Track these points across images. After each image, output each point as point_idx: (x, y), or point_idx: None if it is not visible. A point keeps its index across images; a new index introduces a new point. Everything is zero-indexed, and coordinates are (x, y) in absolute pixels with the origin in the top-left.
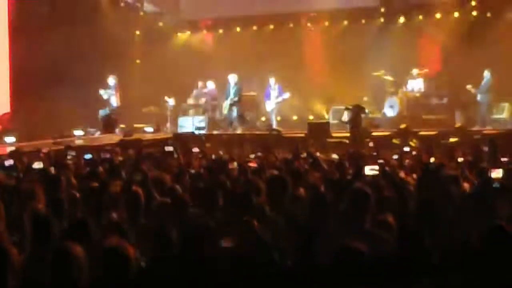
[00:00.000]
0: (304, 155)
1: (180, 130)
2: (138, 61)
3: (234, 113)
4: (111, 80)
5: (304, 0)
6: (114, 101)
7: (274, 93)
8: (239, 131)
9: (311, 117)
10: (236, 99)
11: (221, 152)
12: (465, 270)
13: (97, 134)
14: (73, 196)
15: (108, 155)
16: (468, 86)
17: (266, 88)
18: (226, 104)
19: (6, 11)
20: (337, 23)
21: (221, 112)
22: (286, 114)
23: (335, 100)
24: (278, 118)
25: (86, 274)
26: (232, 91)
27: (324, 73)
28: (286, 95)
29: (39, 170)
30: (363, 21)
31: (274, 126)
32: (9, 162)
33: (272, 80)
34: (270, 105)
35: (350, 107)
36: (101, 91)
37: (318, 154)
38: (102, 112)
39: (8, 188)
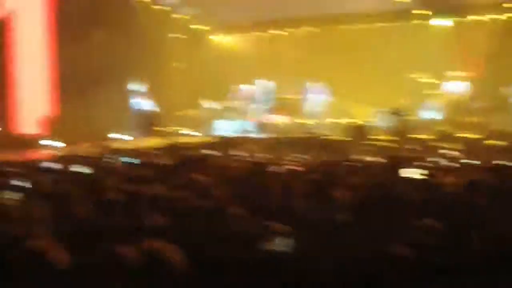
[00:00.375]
0: (344, 158)
1: (217, 133)
2: (174, 64)
3: (268, 117)
4: (138, 86)
5: (342, 1)
6: (147, 105)
7: (313, 96)
8: (268, 135)
9: (351, 120)
10: (269, 104)
11: (260, 155)
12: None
13: (136, 137)
14: (114, 199)
15: (146, 159)
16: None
17: (305, 91)
18: (255, 108)
19: (46, 15)
20: (375, 24)
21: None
22: (326, 117)
23: (375, 103)
24: (318, 121)
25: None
26: (262, 96)
27: (363, 76)
28: (325, 97)
29: (79, 173)
30: (402, 22)
31: (314, 129)
32: (50, 166)
33: (311, 83)
34: (309, 108)
35: (390, 110)
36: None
37: (358, 157)
38: (136, 116)
39: (48, 192)
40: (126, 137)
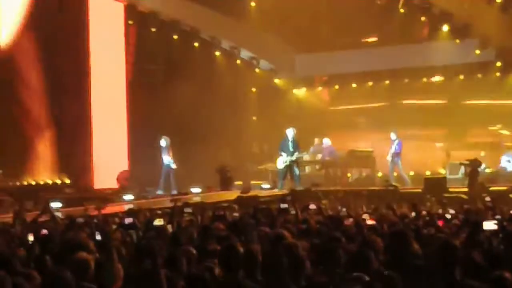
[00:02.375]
0: (422, 211)
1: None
2: (254, 117)
3: (296, 171)
4: (163, 142)
5: (419, 55)
6: (167, 160)
7: (392, 148)
8: (296, 188)
9: (427, 173)
10: (297, 155)
11: (339, 208)
12: None
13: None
14: (190, 253)
15: (222, 212)
16: None
17: (397, 144)
18: (286, 159)
19: (124, 69)
20: (452, 77)
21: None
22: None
23: (452, 155)
24: (395, 174)
25: None
26: (291, 146)
27: (439, 128)
28: (398, 149)
29: (158, 227)
30: (479, 75)
31: (392, 181)
32: (128, 220)
33: (393, 135)
34: (389, 160)
35: (467, 162)
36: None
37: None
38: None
39: (127, 246)
40: (199, 191)
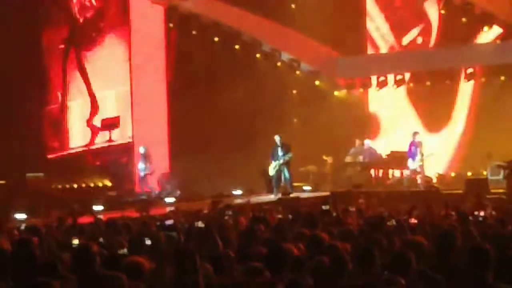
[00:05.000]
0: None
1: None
2: (295, 120)
3: (286, 174)
4: (141, 149)
5: (460, 56)
6: (144, 169)
7: (419, 149)
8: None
9: (469, 173)
10: (287, 159)
11: (380, 209)
12: None
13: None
14: (229, 255)
15: (262, 214)
16: None
17: (410, 145)
18: (274, 164)
19: (165, 72)
20: (493, 78)
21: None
22: (443, 170)
23: (493, 156)
24: (437, 174)
25: None
26: (279, 151)
27: (481, 129)
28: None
29: (199, 229)
30: None
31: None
32: (169, 222)
33: (418, 137)
34: (413, 164)
35: (504, 164)
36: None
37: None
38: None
39: (167, 249)
40: (240, 193)
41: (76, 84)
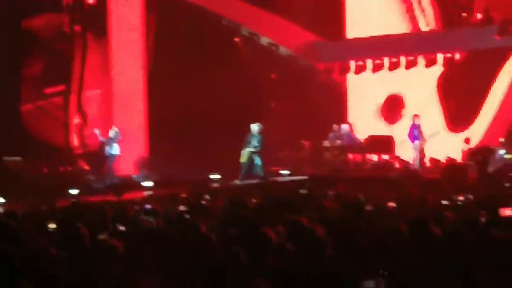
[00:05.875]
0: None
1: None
2: (274, 104)
3: (257, 161)
4: (112, 132)
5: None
6: (115, 150)
7: (420, 132)
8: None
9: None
10: (259, 148)
11: (359, 194)
12: None
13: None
14: (211, 239)
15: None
16: None
17: (410, 128)
18: (246, 151)
19: (143, 59)
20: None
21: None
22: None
23: (470, 142)
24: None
25: None
26: (254, 140)
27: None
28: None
29: (180, 213)
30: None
31: (417, 165)
32: (148, 206)
33: (418, 120)
34: (416, 145)
35: (477, 150)
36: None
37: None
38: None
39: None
40: (218, 177)
41: None
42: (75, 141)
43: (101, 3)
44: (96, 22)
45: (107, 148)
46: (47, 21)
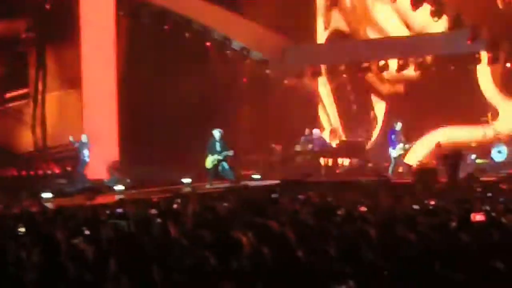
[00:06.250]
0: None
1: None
2: (245, 108)
3: (224, 167)
4: (84, 138)
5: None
6: (87, 154)
7: (400, 138)
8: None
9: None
10: (222, 153)
11: (330, 198)
12: None
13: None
14: (181, 244)
15: (211, 203)
16: None
17: (389, 133)
18: (212, 158)
19: (115, 62)
20: (442, 68)
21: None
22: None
23: (441, 146)
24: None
25: None
26: (217, 145)
27: (430, 119)
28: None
29: (150, 217)
30: (468, 67)
31: (400, 171)
32: (119, 210)
33: (398, 125)
34: (394, 152)
35: (448, 153)
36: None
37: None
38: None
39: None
40: (189, 181)
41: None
42: (40, 144)
43: (66, 8)
44: (59, 26)
45: (83, 153)
46: (5, 26)
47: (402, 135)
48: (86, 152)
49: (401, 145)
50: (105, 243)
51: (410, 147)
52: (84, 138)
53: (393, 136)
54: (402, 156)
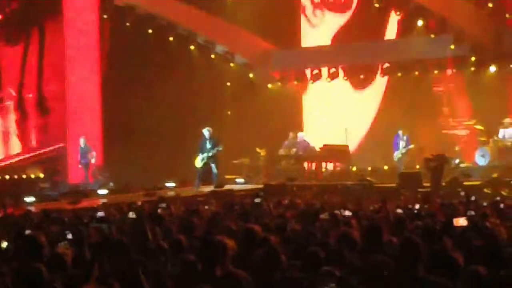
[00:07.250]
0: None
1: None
2: (229, 112)
3: (214, 169)
4: (82, 142)
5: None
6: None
7: (402, 143)
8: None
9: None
10: (213, 150)
11: (313, 202)
12: None
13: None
14: (163, 247)
15: (195, 207)
16: None
17: (395, 138)
18: (201, 157)
19: (98, 66)
20: (426, 72)
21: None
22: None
23: (425, 151)
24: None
25: None
26: (207, 144)
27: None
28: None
29: (131, 221)
30: (453, 70)
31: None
32: (100, 214)
33: (400, 131)
34: (397, 155)
35: (431, 157)
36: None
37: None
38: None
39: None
40: (174, 185)
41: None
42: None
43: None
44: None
45: (88, 156)
46: None
47: (403, 140)
48: (89, 155)
49: (400, 149)
50: (87, 247)
51: (408, 150)
52: (82, 142)
53: (397, 140)
54: (399, 159)
